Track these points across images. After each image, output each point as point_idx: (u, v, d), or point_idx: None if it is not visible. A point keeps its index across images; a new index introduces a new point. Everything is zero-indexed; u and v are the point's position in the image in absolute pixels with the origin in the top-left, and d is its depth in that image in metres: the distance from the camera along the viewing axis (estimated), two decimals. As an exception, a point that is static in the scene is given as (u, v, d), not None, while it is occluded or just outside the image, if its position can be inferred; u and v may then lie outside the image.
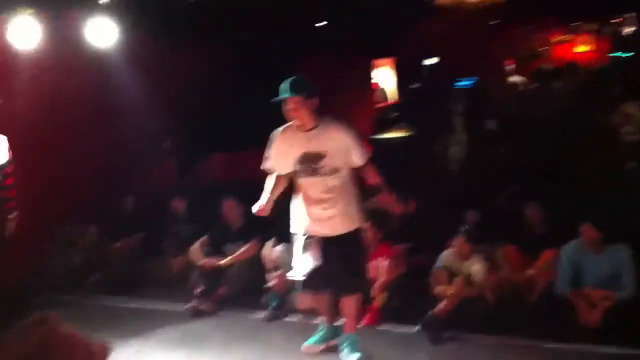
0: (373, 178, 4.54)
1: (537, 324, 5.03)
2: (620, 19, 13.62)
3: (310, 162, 4.41)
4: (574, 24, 13.72)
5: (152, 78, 7.83)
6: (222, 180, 8.88)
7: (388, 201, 4.64)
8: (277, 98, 4.38)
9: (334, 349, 4.77)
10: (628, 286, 4.99)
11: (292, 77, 4.37)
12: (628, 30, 13.54)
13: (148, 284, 6.98)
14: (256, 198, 4.49)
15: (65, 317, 1.92)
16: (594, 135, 7.77)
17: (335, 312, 4.86)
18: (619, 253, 5.12)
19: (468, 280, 5.37)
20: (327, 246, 4.51)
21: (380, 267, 5.59)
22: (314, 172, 4.41)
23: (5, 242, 5.55)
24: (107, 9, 6.85)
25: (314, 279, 4.55)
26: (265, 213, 4.47)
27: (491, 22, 12.40)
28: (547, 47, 13.82)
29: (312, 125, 4.42)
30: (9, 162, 5.55)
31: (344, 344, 4.67)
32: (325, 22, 10.17)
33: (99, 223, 7.49)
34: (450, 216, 6.30)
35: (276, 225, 5.96)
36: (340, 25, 10.12)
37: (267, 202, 4.44)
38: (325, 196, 4.45)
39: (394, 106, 13.00)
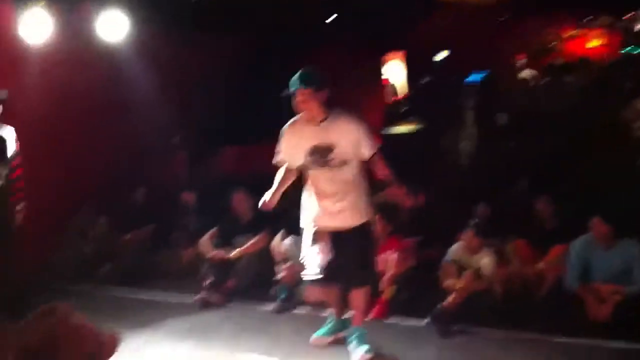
0: (382, 171, 4.52)
1: (546, 318, 5.03)
2: (633, 14, 13.53)
3: (320, 155, 4.41)
4: (586, 18, 13.64)
5: (163, 71, 7.85)
6: (232, 173, 8.91)
7: (398, 194, 4.61)
8: (287, 91, 4.39)
9: (342, 341, 4.78)
10: (639, 281, 4.97)
11: (302, 70, 4.37)
12: (640, 25, 13.46)
13: (158, 276, 7.02)
14: (266, 191, 4.52)
15: (75, 308, 1.92)
16: (605, 130, 7.73)
17: (343, 304, 4.86)
18: (630, 248, 5.10)
19: (477, 273, 5.36)
20: (337, 239, 4.51)
21: (389, 260, 5.58)
22: (324, 164, 4.41)
23: (14, 233, 5.59)
24: (118, 2, 6.86)
25: (323, 272, 4.56)
26: (270, 208, 4.48)
27: (502, 17, 12.34)
28: (558, 42, 13.74)
29: (322, 117, 4.41)
30: (16, 153, 5.58)
31: (352, 337, 4.68)
32: (335, 16, 10.15)
33: (109, 215, 7.53)
34: (460, 210, 6.29)
35: (285, 217, 5.99)
36: (350, 19, 10.10)
37: (272, 197, 4.46)
38: (335, 189, 4.44)
39: (404, 100, 12.97)
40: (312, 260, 4.59)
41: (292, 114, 4.52)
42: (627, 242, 5.12)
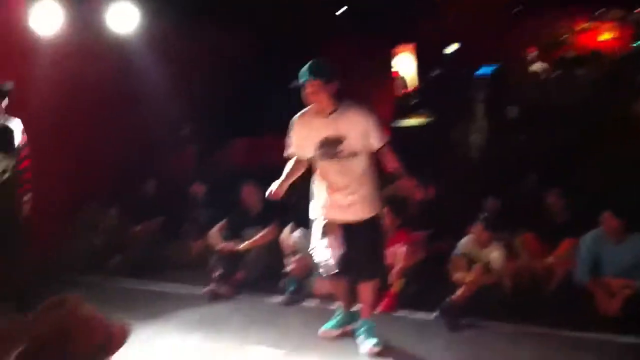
0: (392, 163, 4.51)
1: (555, 313, 5.01)
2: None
3: (330, 147, 4.40)
4: (598, 11, 13.54)
5: (173, 63, 7.86)
6: (242, 165, 8.91)
7: (409, 186, 4.58)
8: (297, 82, 4.38)
9: (350, 334, 4.79)
10: (649, 276, 4.95)
11: (312, 61, 4.35)
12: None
13: (167, 267, 7.04)
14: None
15: (85, 299, 1.94)
16: (616, 123, 7.69)
17: (352, 297, 4.87)
18: (642, 242, 5.08)
19: (487, 267, 5.35)
20: (347, 232, 4.51)
21: (398, 254, 5.58)
22: (333, 156, 4.40)
23: (21, 224, 5.61)
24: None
25: (334, 266, 4.56)
26: (278, 197, 4.48)
27: (514, 9, 12.28)
28: (570, 35, 13.65)
29: (331, 109, 4.40)
30: (24, 145, 5.60)
31: (361, 330, 4.68)
32: (345, 8, 10.14)
33: (119, 206, 7.55)
34: (470, 203, 6.27)
35: (295, 210, 5.99)
36: (361, 11, 10.07)
37: (279, 187, 4.46)
38: (345, 181, 4.43)
39: (414, 93, 12.94)
40: (323, 253, 4.58)
41: (302, 106, 4.51)
42: (637, 237, 5.09)
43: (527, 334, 4.79)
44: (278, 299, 5.87)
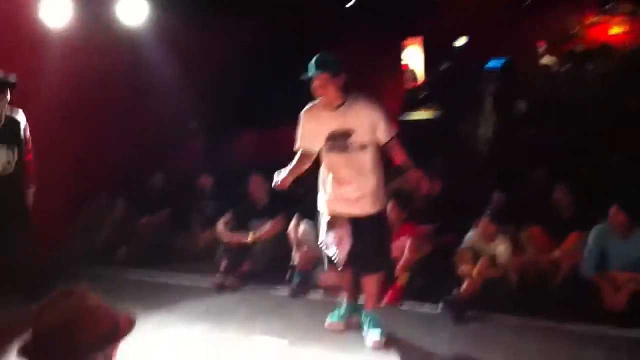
0: (400, 156, 4.52)
1: (561, 307, 5.01)
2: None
3: (339, 140, 4.40)
4: (608, 5, 13.44)
5: (182, 57, 7.87)
6: (250, 158, 8.93)
7: (417, 178, 4.56)
8: (305, 76, 4.38)
9: (356, 326, 4.81)
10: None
11: (319, 54, 4.36)
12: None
13: (174, 259, 7.07)
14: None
15: (92, 290, 1.96)
16: (625, 118, 7.65)
17: (357, 289, 4.88)
18: (649, 237, 5.07)
19: (493, 261, 5.36)
20: (353, 226, 4.51)
21: (403, 247, 5.59)
22: (342, 149, 4.41)
23: (28, 216, 5.64)
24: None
25: (343, 259, 4.57)
26: (284, 188, 4.49)
27: (523, 2, 12.21)
28: (580, 29, 13.57)
29: (340, 102, 4.40)
30: (28, 137, 5.62)
31: (366, 322, 4.70)
32: (355, 0, 10.12)
33: (127, 198, 7.59)
34: (477, 197, 6.27)
35: (302, 202, 6.00)
36: (370, 4, 10.05)
37: (286, 178, 4.47)
38: (354, 175, 4.44)
39: (423, 86, 12.91)
40: (331, 247, 4.59)
41: (311, 99, 4.52)
42: (645, 231, 5.08)
43: (532, 327, 4.79)
44: (284, 291, 5.90)
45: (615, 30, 13.39)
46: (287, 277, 6.02)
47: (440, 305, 5.11)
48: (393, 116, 7.77)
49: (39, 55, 6.53)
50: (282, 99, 7.60)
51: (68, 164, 6.95)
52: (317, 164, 4.64)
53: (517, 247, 5.54)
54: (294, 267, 6.00)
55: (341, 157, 4.43)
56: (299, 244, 6.05)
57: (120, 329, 1.96)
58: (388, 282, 5.29)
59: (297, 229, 6.15)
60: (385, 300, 5.29)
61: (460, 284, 5.25)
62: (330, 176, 4.55)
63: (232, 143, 9.43)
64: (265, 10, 8.82)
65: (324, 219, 4.64)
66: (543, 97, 9.56)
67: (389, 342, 4.58)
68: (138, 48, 7.41)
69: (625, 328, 4.62)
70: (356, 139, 4.38)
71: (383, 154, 4.57)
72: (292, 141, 4.65)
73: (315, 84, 4.35)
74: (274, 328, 4.99)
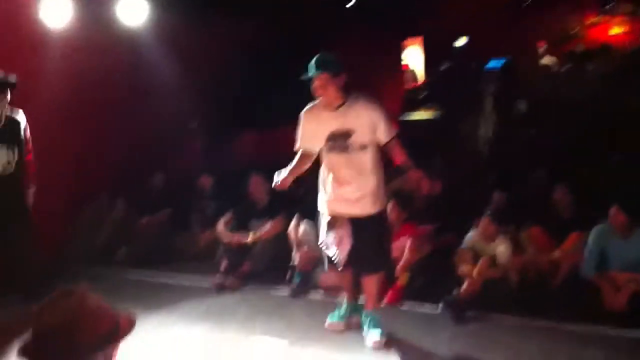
0: (400, 156, 4.52)
1: (561, 307, 5.01)
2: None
3: (339, 140, 4.40)
4: (609, 5, 13.44)
5: (183, 57, 7.87)
6: (250, 158, 8.93)
7: (417, 178, 4.55)
8: (305, 76, 4.38)
9: (355, 326, 4.81)
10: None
11: (319, 54, 4.36)
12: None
13: (174, 259, 7.08)
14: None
15: (92, 290, 1.96)
16: (626, 118, 7.65)
17: (357, 289, 4.88)
18: (649, 237, 5.07)
19: (493, 261, 5.36)
20: (353, 226, 4.51)
21: (403, 247, 5.59)
22: (342, 150, 4.41)
23: (28, 216, 5.65)
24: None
25: (343, 259, 4.57)
26: (283, 188, 4.49)
27: (523, 2, 12.21)
28: (580, 29, 13.57)
29: (340, 102, 4.40)
30: (28, 137, 5.62)
31: (366, 322, 4.70)
32: (355, 0, 10.12)
33: (127, 198, 7.59)
34: (477, 197, 6.27)
35: (302, 202, 6.00)
36: (370, 3, 10.05)
37: (285, 178, 4.46)
38: (354, 176, 4.43)
39: (423, 86, 12.91)
40: (332, 247, 4.58)
41: (311, 99, 4.52)
42: (645, 232, 5.09)
43: (533, 327, 4.79)
44: (284, 291, 5.90)
45: (615, 30, 13.39)
46: (287, 277, 6.02)
47: (440, 305, 5.12)
48: (393, 116, 7.76)
49: (39, 55, 6.53)
50: (282, 98, 7.60)
51: (68, 164, 6.95)
52: (317, 164, 4.64)
53: (517, 247, 5.55)
54: (294, 267, 6.00)
55: (341, 157, 4.43)
56: (299, 244, 6.05)
57: (120, 329, 1.96)
58: (388, 282, 5.29)
59: (297, 228, 6.15)
60: (385, 300, 5.29)
61: (460, 284, 5.25)
62: (330, 176, 4.54)
63: (232, 143, 9.42)
64: (265, 10, 8.82)
65: (324, 219, 4.64)
66: (543, 97, 9.57)
67: (389, 342, 4.58)
68: (138, 48, 7.40)
69: (625, 328, 4.62)
70: (356, 139, 4.38)
71: (383, 154, 4.57)
72: (292, 141, 4.65)
73: (315, 84, 4.35)
74: (274, 328, 4.99)
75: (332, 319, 4.92)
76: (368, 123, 4.39)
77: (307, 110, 4.56)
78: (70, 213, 7.22)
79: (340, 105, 4.41)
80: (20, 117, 5.56)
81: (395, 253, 5.51)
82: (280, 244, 6.24)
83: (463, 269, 5.35)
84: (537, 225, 5.78)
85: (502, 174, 7.22)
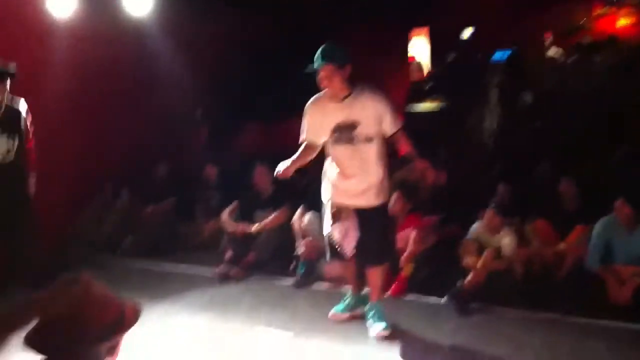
0: (406, 147, 4.51)
1: (565, 299, 5.00)
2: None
3: (344, 132, 4.38)
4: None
5: (188, 46, 7.86)
6: (255, 149, 8.92)
7: (422, 168, 4.55)
8: (310, 67, 4.36)
9: (359, 317, 4.82)
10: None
11: (324, 45, 4.34)
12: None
13: (179, 248, 7.10)
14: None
15: (97, 279, 1.96)
16: (632, 111, 7.61)
17: (361, 281, 4.89)
18: (653, 231, 5.05)
19: (498, 253, 5.35)
20: (358, 217, 4.51)
21: (408, 238, 5.59)
22: (348, 141, 4.39)
23: (30, 205, 5.66)
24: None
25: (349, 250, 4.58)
26: (286, 177, 4.48)
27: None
28: (587, 20, 13.48)
29: (345, 93, 4.38)
30: (30, 126, 5.62)
31: (370, 313, 4.70)
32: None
33: (132, 188, 7.60)
34: (482, 189, 6.26)
35: (306, 193, 6.00)
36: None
37: (288, 167, 4.43)
38: (359, 167, 4.42)
39: (429, 78, 12.85)
40: (338, 239, 4.58)
41: (317, 91, 4.50)
42: (651, 225, 5.07)
43: (537, 320, 4.80)
44: (288, 281, 5.91)
45: (623, 21, 13.28)
46: (292, 267, 6.03)
47: (445, 297, 5.12)
48: (398, 107, 7.73)
49: (44, 45, 6.54)
50: (287, 90, 7.59)
51: (73, 154, 6.97)
52: (321, 154, 4.63)
53: (522, 240, 5.53)
54: (298, 257, 6.01)
55: (347, 149, 4.42)
56: (304, 234, 6.06)
57: (125, 319, 1.96)
58: (392, 273, 5.30)
59: (302, 219, 6.15)
60: (390, 291, 5.30)
61: (464, 276, 5.25)
62: (336, 168, 4.54)
63: (237, 133, 9.41)
64: (272, 1, 8.79)
65: (328, 210, 4.63)
66: (549, 89, 9.52)
67: (393, 333, 4.58)
68: (144, 38, 7.40)
69: (630, 321, 4.62)
70: (362, 130, 4.36)
71: (388, 145, 4.55)
72: (297, 133, 4.64)
73: (321, 75, 4.32)
74: (278, 319, 5.00)
75: (336, 310, 4.93)
76: (374, 115, 4.37)
77: (313, 101, 4.55)
78: (75, 202, 7.23)
79: (345, 97, 4.39)
80: (21, 105, 5.56)
81: (399, 244, 5.53)
82: (285, 234, 6.25)
83: (468, 260, 5.34)
84: (542, 218, 5.76)
85: (508, 166, 7.20)
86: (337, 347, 4.47)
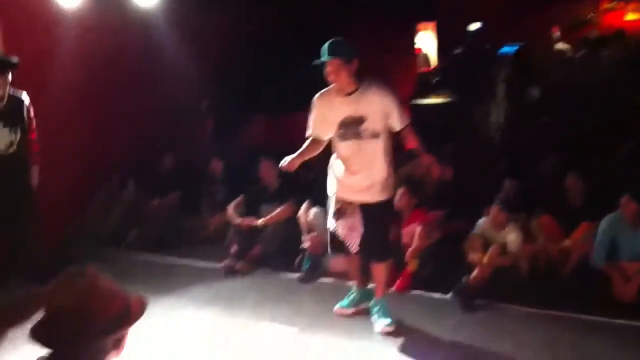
0: (412, 142, 4.49)
1: (570, 296, 4.99)
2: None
3: (351, 127, 4.37)
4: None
5: (195, 38, 7.84)
6: (261, 143, 8.91)
7: (429, 163, 4.54)
8: (317, 61, 4.34)
9: (364, 312, 4.82)
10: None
11: (332, 40, 4.31)
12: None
13: (184, 242, 7.09)
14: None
15: (103, 272, 1.96)
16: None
17: (366, 276, 4.89)
18: (659, 228, 5.03)
19: (503, 249, 5.34)
20: (363, 213, 4.50)
21: (413, 233, 5.58)
22: (354, 136, 4.37)
23: (33, 196, 5.67)
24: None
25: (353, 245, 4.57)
26: (291, 170, 4.47)
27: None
28: (595, 15, 13.41)
29: (352, 88, 4.37)
30: (32, 117, 5.63)
31: (375, 309, 4.71)
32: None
33: (138, 180, 7.60)
34: (488, 184, 6.24)
35: (312, 187, 5.99)
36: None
37: (293, 160, 4.42)
38: (365, 162, 4.41)
39: (436, 71, 12.81)
40: (343, 234, 4.58)
41: (324, 84, 4.49)
42: (657, 222, 5.05)
43: (542, 316, 4.79)
44: (294, 275, 5.91)
45: (631, 16, 13.23)
46: (297, 261, 6.03)
47: (450, 293, 5.11)
48: (404, 101, 7.71)
49: (51, 34, 6.53)
50: (293, 82, 7.56)
51: (79, 145, 6.96)
52: (328, 148, 4.62)
53: (527, 236, 5.51)
54: (304, 251, 6.01)
55: (353, 145, 4.40)
56: (309, 228, 6.05)
57: (131, 312, 1.96)
58: (397, 269, 5.29)
59: (307, 213, 6.14)
60: (395, 287, 5.30)
61: (470, 271, 5.24)
62: (342, 163, 4.52)
63: (243, 127, 9.39)
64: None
65: (333, 205, 4.63)
66: (556, 84, 9.48)
67: (398, 329, 4.59)
68: (150, 29, 7.39)
69: (634, 318, 4.61)
70: (368, 125, 4.35)
71: (394, 140, 4.54)
72: (303, 126, 4.63)
73: (328, 69, 4.31)
74: (283, 313, 5.01)
75: (341, 305, 4.93)
76: (381, 110, 4.36)
77: (320, 96, 4.53)
78: (81, 194, 7.23)
79: (353, 92, 4.37)
80: (24, 97, 5.57)
81: (405, 239, 5.52)
82: (291, 228, 6.24)
83: (473, 256, 5.33)
84: (548, 214, 5.74)
85: (514, 161, 7.17)
86: (342, 343, 4.48)
